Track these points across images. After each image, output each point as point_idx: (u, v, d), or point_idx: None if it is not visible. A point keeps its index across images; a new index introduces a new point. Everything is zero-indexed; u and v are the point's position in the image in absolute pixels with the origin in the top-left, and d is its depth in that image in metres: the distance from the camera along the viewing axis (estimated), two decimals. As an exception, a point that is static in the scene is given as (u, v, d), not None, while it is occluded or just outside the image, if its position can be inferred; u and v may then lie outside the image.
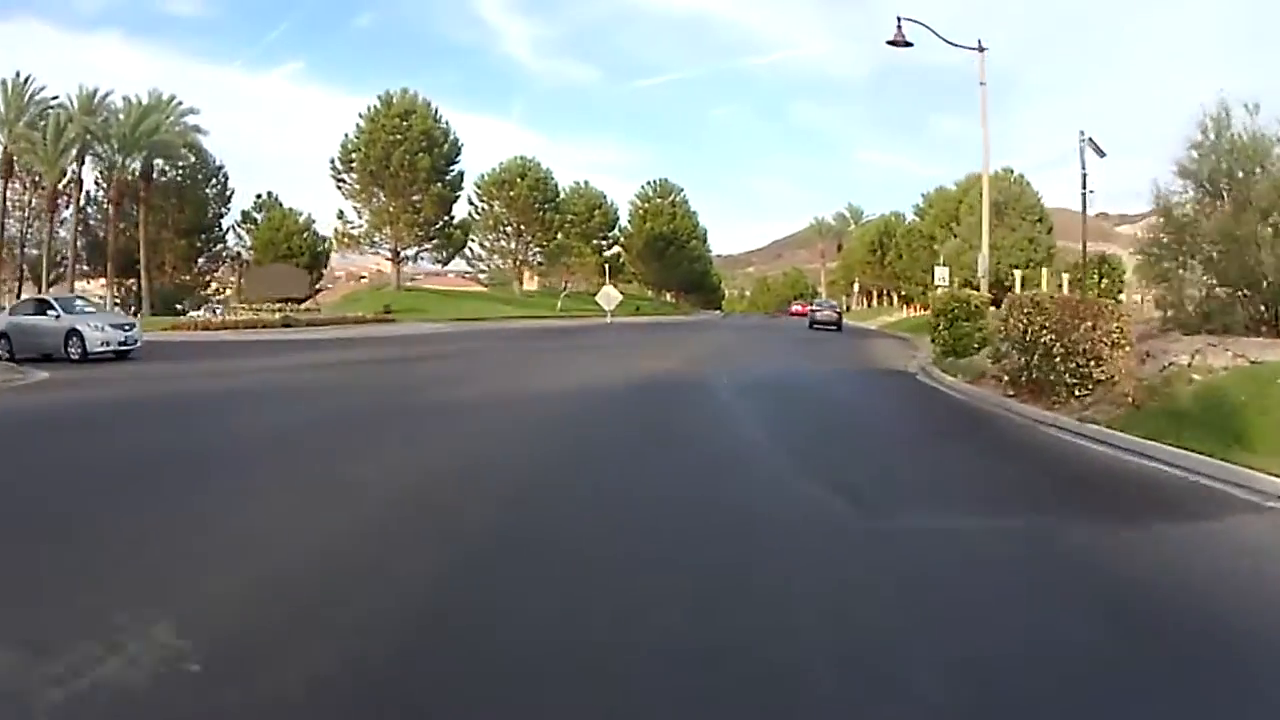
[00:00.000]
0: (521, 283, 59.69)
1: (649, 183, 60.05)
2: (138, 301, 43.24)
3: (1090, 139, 20.06)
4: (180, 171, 49.02)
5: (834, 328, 40.13)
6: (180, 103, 46.10)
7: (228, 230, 51.93)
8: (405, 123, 48.48)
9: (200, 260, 52.95)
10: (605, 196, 70.74)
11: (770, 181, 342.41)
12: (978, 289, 21.47)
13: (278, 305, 36.93)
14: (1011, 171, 40.83)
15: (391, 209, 47.59)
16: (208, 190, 50.20)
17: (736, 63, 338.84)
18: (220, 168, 50.41)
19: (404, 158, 46.71)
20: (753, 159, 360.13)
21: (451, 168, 49.64)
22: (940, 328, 19.72)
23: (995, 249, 37.40)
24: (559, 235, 58.82)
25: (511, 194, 60.07)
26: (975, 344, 19.03)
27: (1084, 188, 20.72)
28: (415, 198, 47.62)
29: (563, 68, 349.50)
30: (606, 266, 43.31)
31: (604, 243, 70.17)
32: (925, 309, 60.70)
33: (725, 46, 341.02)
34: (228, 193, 51.03)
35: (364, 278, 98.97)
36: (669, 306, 67.36)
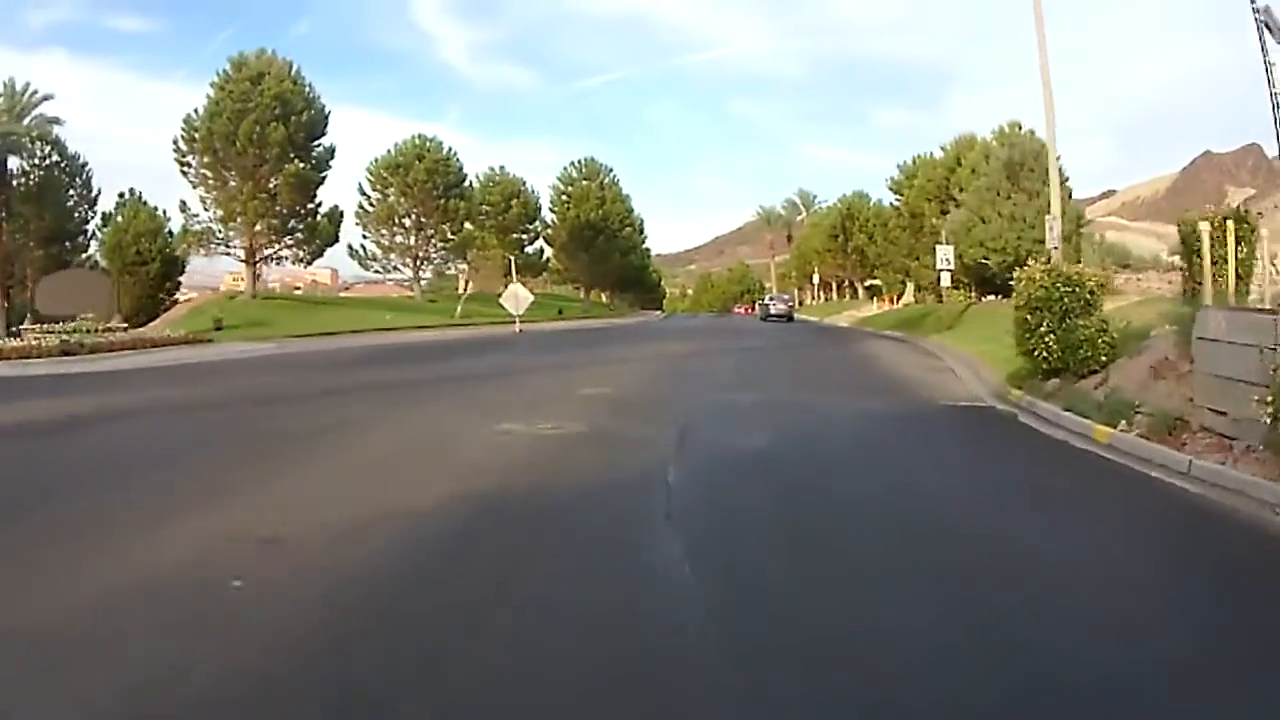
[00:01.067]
0: (465, 287, 50.01)
1: (574, 162, 51.31)
2: (-4, 321, 33.42)
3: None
4: (40, 171, 38.59)
5: (785, 319, 43.63)
6: (35, 91, 36.80)
7: (91, 236, 41.37)
8: (257, 87, 38.72)
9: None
10: (525, 184, 61.87)
11: (710, 178, 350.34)
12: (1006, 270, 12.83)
13: (68, 325, 27.01)
14: (1019, 126, 32.95)
15: (240, 195, 37.74)
16: (70, 192, 39.67)
17: (674, 61, 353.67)
18: (85, 165, 40.03)
19: (252, 129, 36.95)
20: (691, 156, 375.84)
21: (316, 143, 40.00)
22: (1037, 329, 11.45)
23: (1014, 220, 29.61)
24: (465, 227, 49.53)
25: (408, 179, 50.63)
26: (1103, 355, 10.92)
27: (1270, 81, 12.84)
28: (270, 180, 37.84)
29: (499, 71, 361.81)
30: (511, 260, 34.19)
31: (524, 236, 61.21)
32: (897, 301, 53.29)
33: (662, 45, 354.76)
34: (93, 194, 40.53)
35: (273, 284, 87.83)
36: (601, 308, 58.64)
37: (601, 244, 47.94)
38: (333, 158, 39.53)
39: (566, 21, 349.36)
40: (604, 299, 66.33)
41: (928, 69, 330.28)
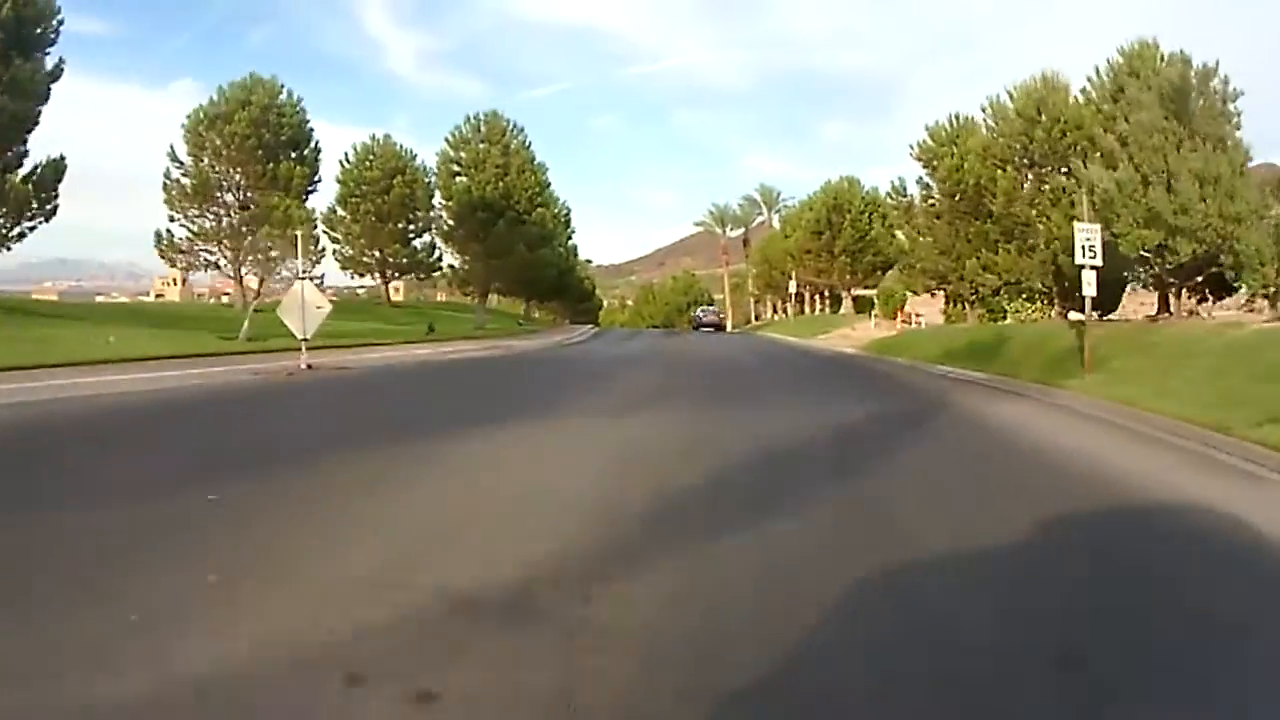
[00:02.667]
0: (256, 293, 35.26)
1: (469, 118, 37.17)
2: None
3: None
4: None
5: (715, 329, 47.72)
6: None
7: None
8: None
9: None
10: (416, 158, 47.55)
11: (653, 190, 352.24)
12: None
13: None
14: (1157, 49, 20.16)
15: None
16: None
17: (619, 73, 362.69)
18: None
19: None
20: (634, 168, 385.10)
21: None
22: None
23: (1202, 182, 16.58)
24: (306, 205, 35.12)
25: (228, 130, 36.02)
26: None
27: None
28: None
29: (446, 80, 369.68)
30: (298, 237, 19.85)
31: (410, 227, 46.81)
32: (906, 317, 40.44)
33: (608, 57, 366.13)
34: None
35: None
36: (506, 320, 44.49)
37: (502, 230, 33.86)
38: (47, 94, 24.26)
39: (513, 32, 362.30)
40: (526, 310, 52.14)
41: (874, 82, 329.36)
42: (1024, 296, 25.70)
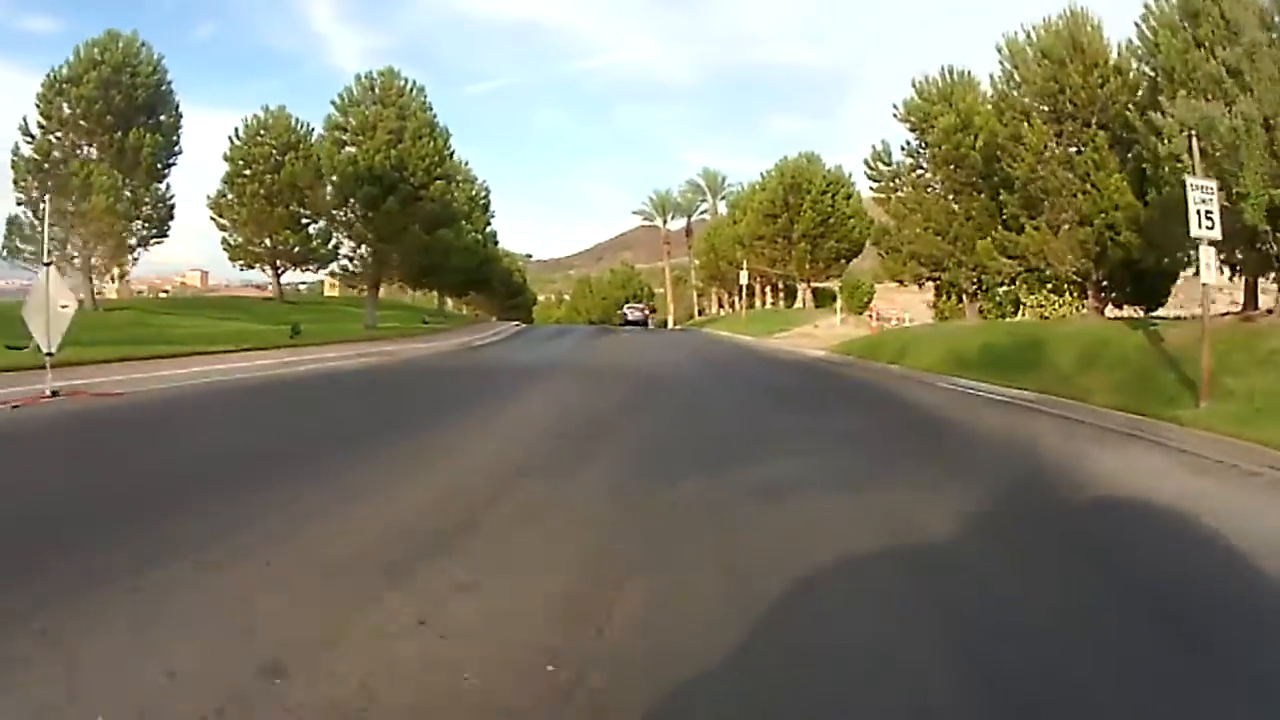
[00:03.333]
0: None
1: (360, 77, 30.66)
2: None
3: None
4: None
5: (642, 325, 48.14)
6: None
7: None
8: None
9: None
10: (312, 132, 40.98)
11: (596, 184, 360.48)
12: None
13: None
14: None
15: None
16: None
17: (563, 67, 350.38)
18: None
19: None
20: (578, 163, 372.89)
21: None
22: None
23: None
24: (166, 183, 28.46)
25: (76, 93, 29.24)
26: None
27: None
28: None
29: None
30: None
31: (303, 210, 40.19)
32: (889, 317, 35.15)
33: (552, 51, 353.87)
34: None
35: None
36: (415, 317, 38.19)
37: (392, 207, 27.61)
38: None
39: (457, 27, 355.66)
40: (440, 305, 45.82)
41: (823, 77, 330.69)
42: (1048, 287, 20.64)
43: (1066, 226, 18.56)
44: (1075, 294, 20.76)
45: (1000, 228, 20.78)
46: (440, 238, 27.82)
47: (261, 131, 43.88)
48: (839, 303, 42.86)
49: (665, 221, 77.49)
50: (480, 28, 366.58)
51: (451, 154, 29.82)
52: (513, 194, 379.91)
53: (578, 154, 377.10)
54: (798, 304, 49.14)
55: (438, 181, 28.05)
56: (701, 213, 76.62)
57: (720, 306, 67.40)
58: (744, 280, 39.97)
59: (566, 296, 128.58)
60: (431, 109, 30.75)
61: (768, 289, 53.15)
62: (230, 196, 43.52)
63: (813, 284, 42.95)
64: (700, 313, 77.24)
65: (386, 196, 27.73)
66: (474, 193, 41.80)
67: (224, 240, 44.66)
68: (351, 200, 28.54)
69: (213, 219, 44.63)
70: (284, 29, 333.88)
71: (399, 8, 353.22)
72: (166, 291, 76.91)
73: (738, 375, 17.55)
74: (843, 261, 41.89)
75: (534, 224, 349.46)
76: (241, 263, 46.33)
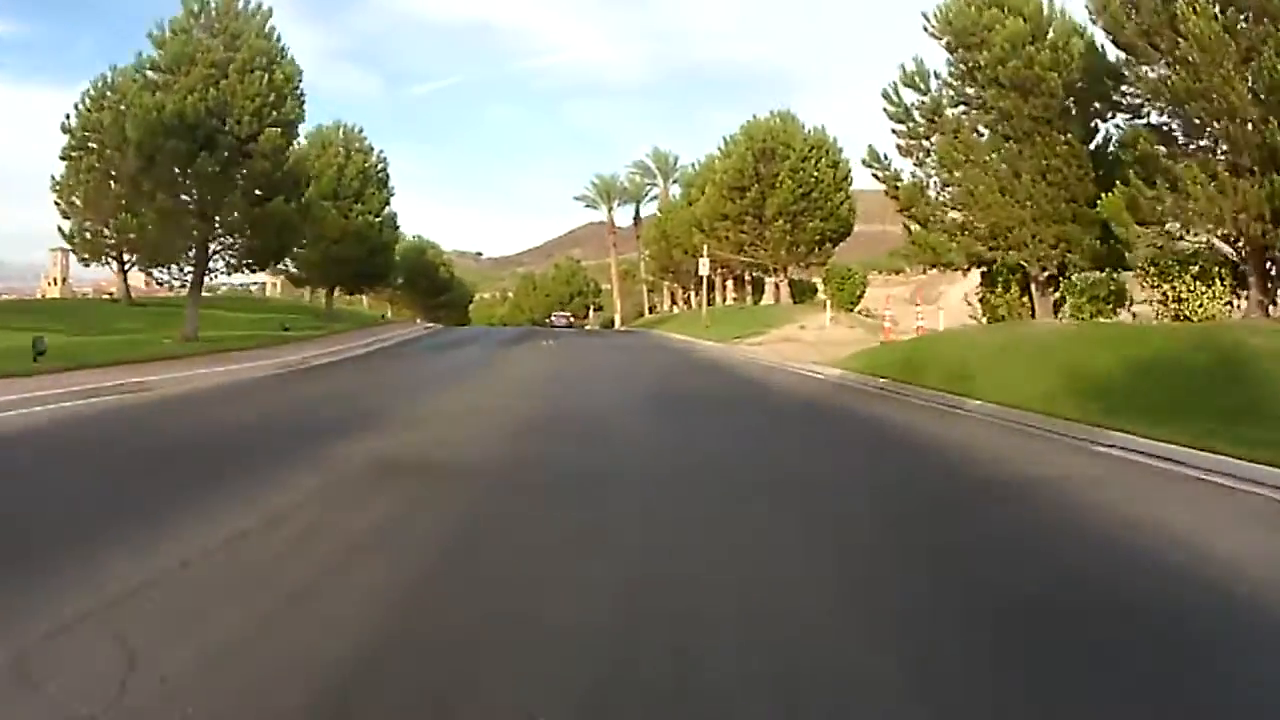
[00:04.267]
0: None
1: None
2: None
3: None
4: None
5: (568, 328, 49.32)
6: None
7: None
8: None
9: None
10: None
11: (546, 182, 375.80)
12: None
13: None
14: None
15: None
16: None
17: (513, 66, 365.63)
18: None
19: None
20: (527, 160, 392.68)
21: None
22: None
23: None
24: None
25: None
26: None
27: None
28: None
29: (344, 79, 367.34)
30: None
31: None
32: (863, 310, 27.28)
33: (502, 51, 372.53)
34: None
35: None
36: (285, 320, 29.57)
37: (205, 166, 19.09)
38: None
39: (408, 28, 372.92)
40: (328, 304, 37.16)
41: (771, 73, 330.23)
42: (1190, 271, 13.14)
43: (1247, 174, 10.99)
44: (1229, 282, 13.30)
45: (1111, 191, 13.21)
46: (275, 210, 19.43)
47: (107, 94, 34.81)
48: (822, 297, 35.40)
49: (610, 209, 69.30)
50: (430, 28, 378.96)
51: (300, 96, 21.37)
52: (463, 192, 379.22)
53: (527, 151, 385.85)
54: (766, 299, 41.58)
55: (271, 130, 19.64)
56: (651, 198, 68.76)
57: (673, 303, 59.62)
58: (704, 270, 32.16)
59: (510, 294, 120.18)
60: (279, 39, 22.25)
61: (729, 282, 45.49)
62: (67, 175, 34.44)
63: (789, 274, 35.38)
64: (651, 310, 69.28)
65: (200, 152, 19.29)
66: (367, 165, 33.29)
67: (61, 229, 35.47)
68: (156, 160, 19.99)
69: (56, 204, 35.50)
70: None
71: (350, 9, 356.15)
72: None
73: (716, 411, 9.92)
74: (828, 246, 34.35)
75: (484, 221, 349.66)
76: (86, 257, 37.18)
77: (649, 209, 67.38)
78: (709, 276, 33.91)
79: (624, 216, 70.00)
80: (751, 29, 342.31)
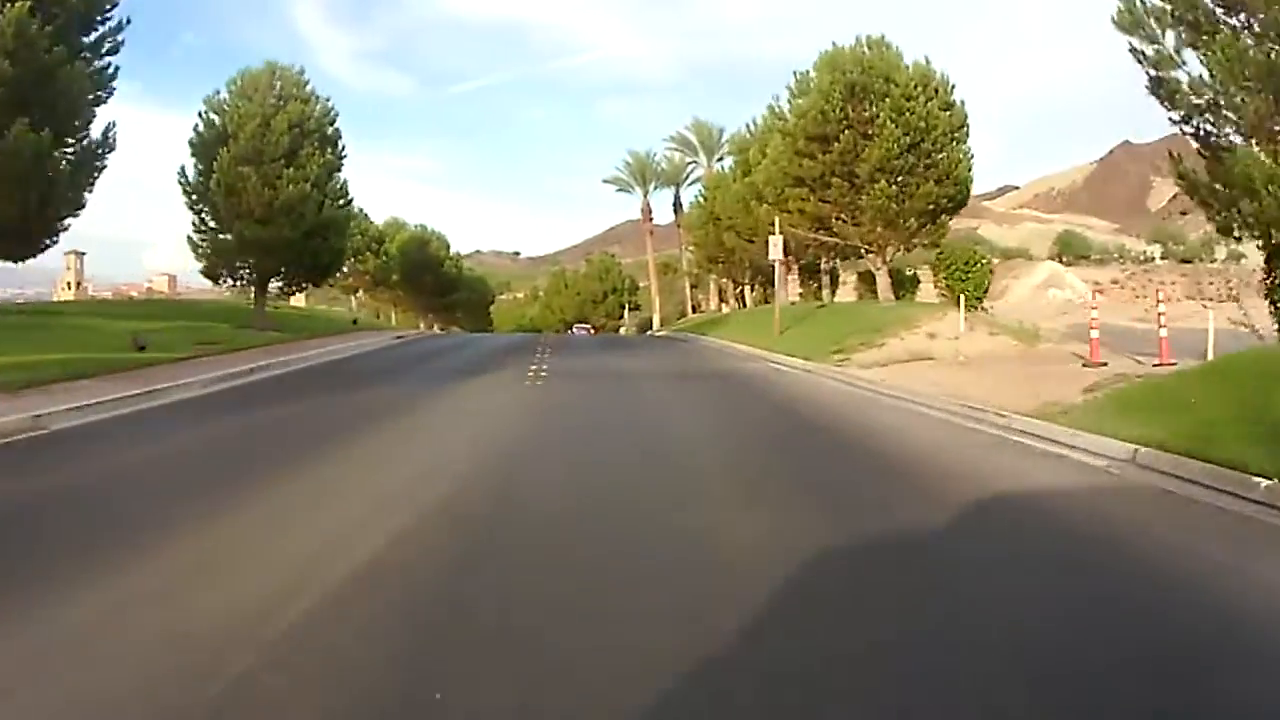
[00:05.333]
0: None
1: None
2: None
3: None
4: None
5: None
6: None
7: None
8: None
9: None
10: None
11: (582, 182, 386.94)
12: None
13: None
14: None
15: None
16: None
17: (548, 66, 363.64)
18: None
19: None
20: (563, 160, 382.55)
21: None
22: None
23: None
24: None
25: None
26: None
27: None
28: None
29: (377, 78, 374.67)
30: None
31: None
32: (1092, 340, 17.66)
33: (537, 51, 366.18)
34: None
35: None
36: (222, 330, 20.93)
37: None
38: None
39: (443, 28, 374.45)
40: (258, 304, 28.35)
41: (802, 67, 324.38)
42: None
43: None
44: None
45: None
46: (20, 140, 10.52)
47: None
48: (933, 290, 26.08)
49: (646, 193, 60.07)
50: (464, 28, 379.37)
51: None
52: (500, 191, 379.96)
53: (563, 150, 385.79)
54: (842, 293, 31.97)
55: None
56: (692, 181, 59.39)
57: (722, 300, 50.04)
58: (775, 254, 22.53)
59: (541, 293, 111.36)
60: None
61: (792, 271, 35.81)
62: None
63: (888, 259, 25.64)
64: (694, 309, 59.82)
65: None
66: (306, 117, 24.39)
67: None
68: None
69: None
70: (270, 33, 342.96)
71: (384, 9, 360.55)
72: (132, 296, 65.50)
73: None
74: (943, 219, 24.68)
75: (522, 221, 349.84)
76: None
77: (690, 195, 58.12)
78: (777, 263, 24.46)
79: (662, 210, 60.87)
80: (782, 22, 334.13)
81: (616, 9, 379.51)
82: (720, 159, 52.78)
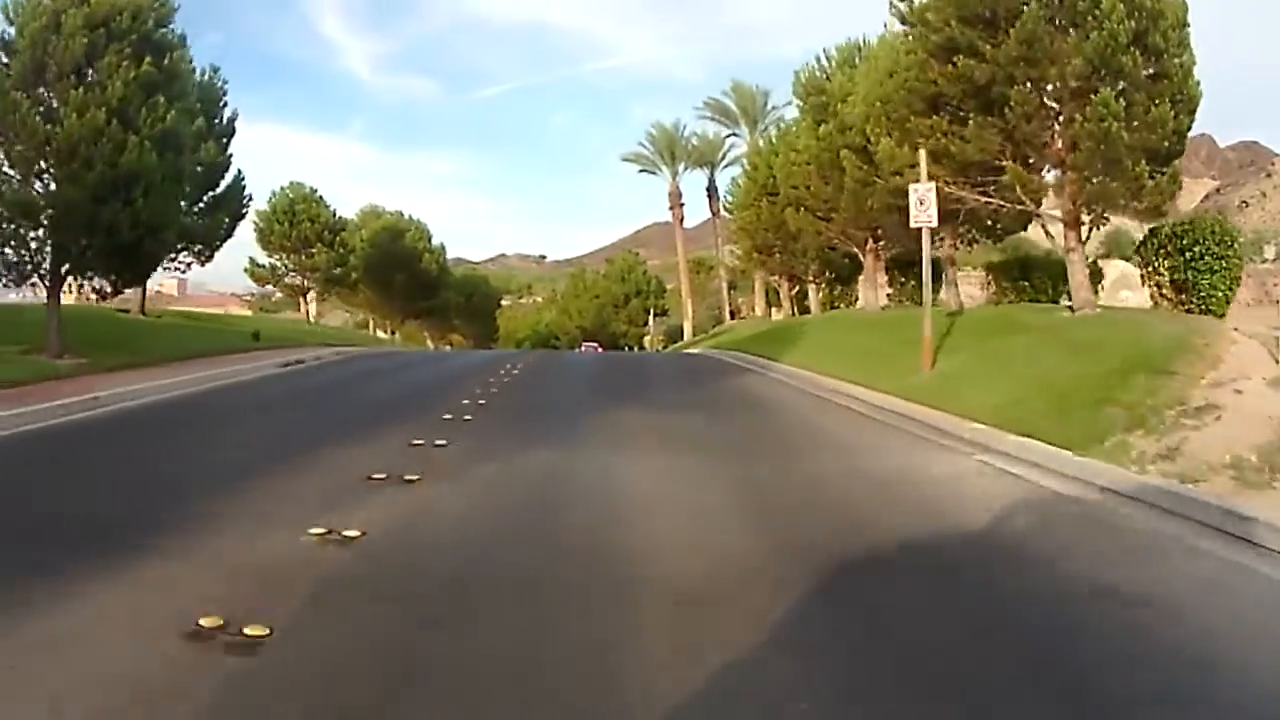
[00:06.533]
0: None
1: None
2: None
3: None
4: None
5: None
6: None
7: None
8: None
9: None
10: None
11: (612, 185, 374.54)
12: None
13: None
14: None
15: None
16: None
17: (576, 69, 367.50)
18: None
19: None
20: (592, 163, 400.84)
21: None
22: None
23: None
24: None
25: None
26: None
27: None
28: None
29: (402, 82, 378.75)
30: None
31: None
32: None
33: (564, 54, 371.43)
34: None
35: None
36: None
37: None
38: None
39: (468, 31, 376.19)
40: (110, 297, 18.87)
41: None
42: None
43: None
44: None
45: None
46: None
47: None
48: (1153, 287, 16.50)
49: (675, 173, 50.38)
50: (490, 31, 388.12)
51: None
52: (526, 195, 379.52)
53: (592, 154, 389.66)
54: (945, 294, 22.12)
55: None
56: (728, 164, 49.71)
57: (770, 304, 40.13)
58: (923, 216, 12.42)
59: (560, 296, 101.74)
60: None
61: (880, 260, 25.95)
62: None
63: (1081, 231, 15.81)
64: (733, 315, 50.04)
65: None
66: (120, 8, 14.97)
67: None
68: None
69: None
70: (295, 36, 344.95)
71: (409, 13, 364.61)
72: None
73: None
74: (1175, 166, 14.90)
75: (548, 225, 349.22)
76: None
77: (727, 181, 48.46)
78: (924, 232, 14.69)
79: (693, 208, 51.40)
80: (809, 22, 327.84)
81: (644, 13, 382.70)
82: (765, 128, 43.08)
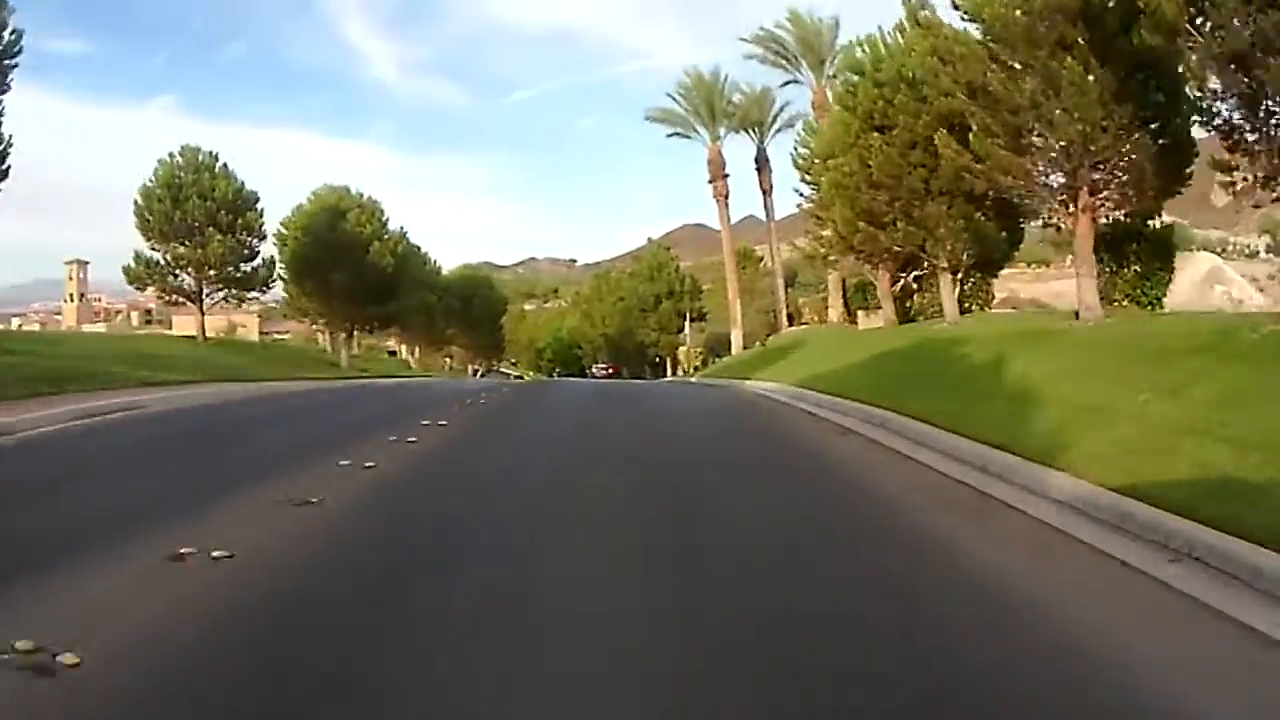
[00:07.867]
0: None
1: None
2: None
3: None
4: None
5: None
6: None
7: None
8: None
9: None
10: None
11: (641, 188, 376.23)
12: None
13: None
14: None
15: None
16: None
17: (601, 73, 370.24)
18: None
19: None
20: (621, 167, 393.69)
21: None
22: None
23: None
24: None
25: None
26: None
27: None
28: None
29: (428, 88, 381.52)
30: None
31: None
32: None
33: (589, 58, 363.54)
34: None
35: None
36: None
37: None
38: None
39: (494, 37, 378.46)
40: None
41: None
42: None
43: None
44: None
45: None
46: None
47: None
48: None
49: (715, 136, 39.42)
50: (514, 37, 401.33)
51: None
52: (557, 200, 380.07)
53: (620, 157, 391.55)
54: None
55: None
56: (778, 128, 38.82)
57: (849, 305, 29.14)
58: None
59: (585, 302, 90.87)
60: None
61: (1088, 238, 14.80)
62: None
63: None
64: (791, 319, 39.05)
65: None
66: None
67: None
68: None
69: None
70: (319, 44, 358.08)
71: (435, 19, 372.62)
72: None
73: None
74: None
75: (579, 229, 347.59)
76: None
77: (779, 149, 37.59)
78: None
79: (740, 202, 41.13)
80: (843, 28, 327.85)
81: (665, 14, 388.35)
82: (833, 74, 32.06)
